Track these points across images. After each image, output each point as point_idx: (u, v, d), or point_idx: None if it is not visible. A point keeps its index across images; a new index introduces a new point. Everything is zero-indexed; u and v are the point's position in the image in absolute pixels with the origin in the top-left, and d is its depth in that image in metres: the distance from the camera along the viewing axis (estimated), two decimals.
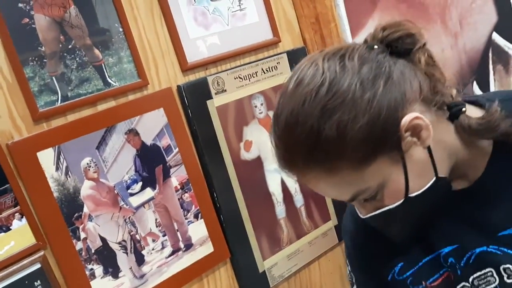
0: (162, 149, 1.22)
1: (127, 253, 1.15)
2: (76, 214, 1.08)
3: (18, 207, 1.01)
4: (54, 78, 1.07)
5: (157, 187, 1.21)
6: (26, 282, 1.01)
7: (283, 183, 1.44)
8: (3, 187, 0.99)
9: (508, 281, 0.77)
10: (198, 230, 1.27)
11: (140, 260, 1.17)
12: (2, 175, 0.99)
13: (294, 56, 1.46)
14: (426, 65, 0.73)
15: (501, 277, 0.78)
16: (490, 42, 1.87)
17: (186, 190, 1.25)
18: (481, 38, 1.86)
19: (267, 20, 1.43)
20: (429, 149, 0.72)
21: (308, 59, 0.73)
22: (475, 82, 1.87)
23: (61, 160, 1.07)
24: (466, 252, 0.79)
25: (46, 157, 1.05)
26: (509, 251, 0.76)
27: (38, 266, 1.02)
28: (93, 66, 1.13)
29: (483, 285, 0.79)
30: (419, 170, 0.72)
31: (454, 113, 0.74)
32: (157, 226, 1.20)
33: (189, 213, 1.26)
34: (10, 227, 1.00)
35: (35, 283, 1.02)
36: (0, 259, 0.98)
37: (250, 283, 1.36)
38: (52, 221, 1.05)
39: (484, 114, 0.74)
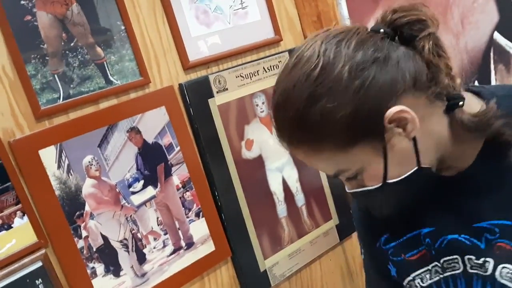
0: (163, 148, 1.21)
1: (128, 252, 1.15)
2: (78, 213, 1.08)
3: (19, 205, 1.01)
4: (56, 76, 1.07)
5: (158, 186, 1.20)
6: (28, 280, 1.00)
7: (284, 182, 1.44)
8: (5, 185, 0.99)
9: (470, 271, 0.81)
10: (199, 228, 1.27)
11: (141, 258, 1.17)
12: (4, 173, 0.99)
13: None
14: (430, 53, 0.72)
15: (465, 265, 0.82)
16: (491, 42, 1.87)
17: (188, 189, 1.25)
18: (483, 38, 1.86)
19: (269, 18, 1.43)
20: (414, 140, 0.73)
21: (313, 37, 0.74)
22: (476, 82, 1.86)
23: (63, 158, 1.07)
24: (440, 236, 0.83)
25: (48, 155, 1.04)
26: (477, 242, 0.79)
27: (39, 264, 1.02)
28: (95, 64, 1.12)
29: (450, 270, 0.84)
30: (401, 159, 0.73)
31: (450, 106, 0.75)
32: (158, 225, 1.20)
33: (191, 212, 1.26)
34: (12, 225, 1.00)
35: (37, 281, 1.01)
36: (2, 257, 0.98)
37: (251, 282, 1.35)
38: (54, 219, 1.05)
39: (479, 111, 0.74)
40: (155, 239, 1.19)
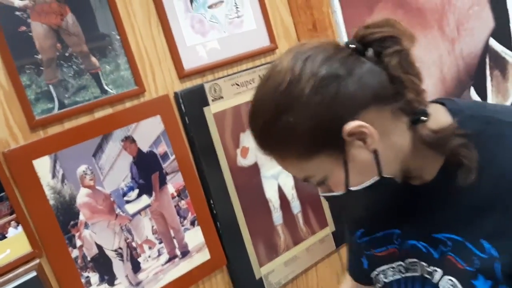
0: (158, 156, 1.22)
1: (123, 261, 1.15)
2: (72, 222, 1.08)
3: (14, 215, 1.01)
4: (51, 85, 1.07)
5: (153, 194, 1.21)
6: None
7: (280, 190, 1.44)
8: None
9: (424, 275, 0.86)
10: (194, 237, 1.27)
11: (136, 267, 1.17)
12: None
13: None
14: (396, 69, 0.73)
15: (422, 270, 0.87)
16: (487, 48, 1.88)
17: (183, 197, 1.25)
18: (478, 44, 1.86)
19: (264, 27, 1.44)
20: (375, 151, 0.75)
21: (287, 52, 0.79)
22: (472, 88, 1.87)
23: (57, 167, 1.07)
24: (404, 239, 0.88)
25: (42, 165, 1.05)
26: (433, 251, 0.83)
27: (34, 274, 1.02)
28: (90, 74, 1.13)
29: (411, 271, 0.89)
30: (362, 169, 0.77)
31: (413, 120, 0.77)
32: (153, 234, 1.20)
33: (186, 220, 1.26)
34: (6, 235, 1.00)
35: None
36: None
37: None
38: (48, 229, 1.05)
39: (440, 127, 0.76)
40: (150, 248, 1.20)
